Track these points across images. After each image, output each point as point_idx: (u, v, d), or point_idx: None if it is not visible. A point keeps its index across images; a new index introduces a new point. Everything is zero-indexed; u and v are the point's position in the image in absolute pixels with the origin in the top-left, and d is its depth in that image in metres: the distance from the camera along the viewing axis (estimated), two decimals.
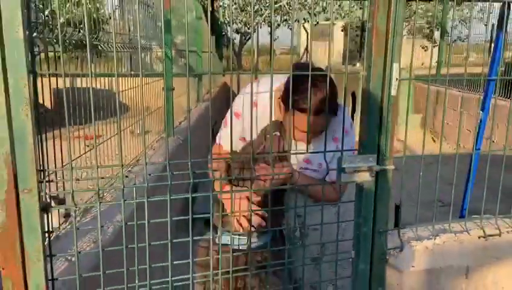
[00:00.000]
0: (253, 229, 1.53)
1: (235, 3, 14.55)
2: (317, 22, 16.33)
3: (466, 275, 1.46)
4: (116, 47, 1.07)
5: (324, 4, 15.43)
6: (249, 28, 15.14)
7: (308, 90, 1.46)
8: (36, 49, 1.57)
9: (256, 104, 1.63)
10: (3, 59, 0.89)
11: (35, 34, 1.67)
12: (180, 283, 1.18)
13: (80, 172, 1.76)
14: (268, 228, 1.48)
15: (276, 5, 15.03)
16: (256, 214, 1.49)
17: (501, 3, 2.49)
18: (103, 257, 1.08)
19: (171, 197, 1.10)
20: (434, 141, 7.53)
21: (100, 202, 1.06)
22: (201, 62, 6.11)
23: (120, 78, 2.77)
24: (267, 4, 15.07)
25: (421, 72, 9.01)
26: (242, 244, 1.56)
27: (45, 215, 1.02)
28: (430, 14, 16.47)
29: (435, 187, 1.45)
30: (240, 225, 1.48)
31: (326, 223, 1.32)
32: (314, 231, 1.65)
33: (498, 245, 1.50)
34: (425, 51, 15.54)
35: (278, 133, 1.57)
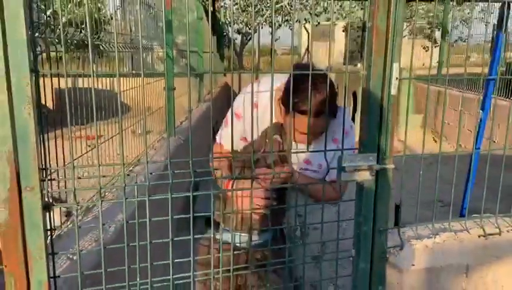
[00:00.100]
0: (254, 226, 1.54)
1: (236, 4, 14.57)
2: (319, 23, 16.33)
3: (466, 274, 1.47)
4: (117, 47, 1.07)
5: (325, 4, 15.43)
6: (250, 29, 15.16)
7: (307, 92, 1.47)
8: (38, 49, 1.58)
9: (257, 105, 1.64)
10: (6, 58, 0.90)
11: (37, 34, 1.68)
12: (181, 281, 1.18)
13: (81, 171, 1.77)
14: (269, 227, 1.48)
15: (277, 6, 15.04)
16: (258, 210, 1.49)
17: (501, 3, 2.50)
18: (105, 255, 1.09)
19: (172, 196, 1.11)
20: (435, 141, 7.53)
21: (102, 201, 1.07)
22: (203, 62, 6.12)
23: (121, 78, 2.78)
24: (268, 4, 15.08)
25: (422, 73, 9.02)
26: (243, 242, 1.57)
27: (47, 214, 1.03)
28: (431, 14, 16.47)
29: (436, 187, 1.45)
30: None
31: (327, 222, 1.33)
32: (314, 230, 1.66)
33: (498, 244, 1.50)
34: (426, 51, 15.53)
35: (279, 137, 1.58)
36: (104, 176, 1.08)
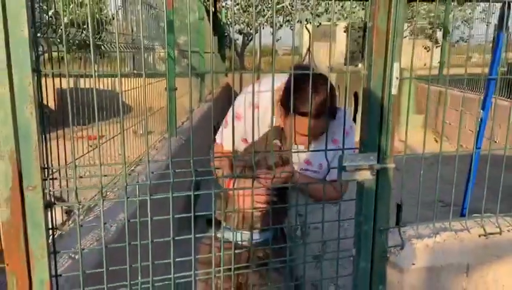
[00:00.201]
0: (255, 224, 1.55)
1: (238, 4, 14.58)
2: (320, 23, 16.34)
3: (466, 273, 1.47)
4: (119, 47, 1.08)
5: (326, 5, 15.43)
6: (251, 29, 15.17)
7: (306, 94, 1.48)
8: (40, 49, 1.59)
9: (257, 106, 1.64)
10: (9, 57, 0.91)
11: (39, 34, 1.69)
12: (182, 280, 1.19)
13: (83, 171, 1.77)
14: (270, 225, 1.49)
15: (278, 6, 15.05)
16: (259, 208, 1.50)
17: (501, 3, 2.50)
18: (106, 254, 1.10)
19: (174, 195, 1.11)
20: (436, 141, 7.52)
21: (103, 200, 1.08)
22: (204, 62, 6.13)
23: (123, 79, 2.79)
24: (270, 5, 15.09)
25: (424, 73, 9.01)
26: (244, 240, 1.57)
27: (49, 213, 1.03)
28: (432, 14, 16.46)
29: (436, 187, 1.46)
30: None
31: (327, 221, 1.33)
32: (315, 230, 1.66)
33: (498, 243, 1.50)
34: (427, 51, 15.52)
35: (278, 142, 1.58)
36: (105, 176, 1.09)
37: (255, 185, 1.28)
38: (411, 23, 14.70)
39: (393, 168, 1.28)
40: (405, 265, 1.41)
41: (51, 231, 1.06)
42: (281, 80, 1.64)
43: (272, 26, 15.02)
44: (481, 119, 2.80)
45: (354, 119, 8.02)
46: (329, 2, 13.97)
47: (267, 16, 15.30)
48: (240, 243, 1.58)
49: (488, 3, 1.84)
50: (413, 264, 1.42)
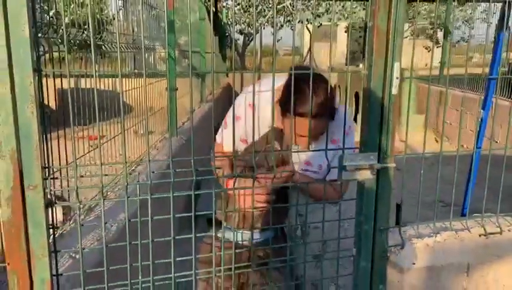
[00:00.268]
0: (256, 224, 1.55)
1: (238, 4, 14.58)
2: (321, 24, 16.34)
3: (467, 273, 1.47)
4: (119, 47, 1.08)
5: (327, 5, 15.43)
6: (252, 29, 15.17)
7: (304, 95, 1.48)
8: (41, 49, 1.59)
9: (257, 106, 1.64)
10: (10, 57, 0.91)
11: (40, 34, 1.69)
12: (183, 279, 1.19)
13: (83, 171, 1.78)
14: (270, 225, 1.49)
15: (279, 6, 15.05)
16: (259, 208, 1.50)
17: (502, 3, 2.50)
18: (107, 254, 1.10)
19: (174, 195, 1.11)
20: (437, 141, 7.52)
21: (104, 199, 1.08)
22: (205, 63, 6.13)
23: (124, 79, 2.79)
24: (270, 5, 15.09)
25: (425, 73, 9.00)
26: (245, 240, 1.58)
27: (50, 212, 1.03)
28: (433, 15, 16.46)
29: (437, 187, 1.46)
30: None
31: (328, 221, 1.33)
32: (315, 230, 1.66)
33: (499, 243, 1.50)
34: (428, 51, 15.52)
35: (277, 144, 1.58)
36: (106, 175, 1.09)
37: (255, 185, 1.29)
38: (412, 23, 14.70)
39: (393, 168, 1.28)
40: (405, 265, 1.41)
41: (51, 230, 1.06)
42: (281, 80, 1.64)
43: (272, 26, 15.03)
44: (481, 119, 2.80)
45: (355, 120, 8.02)
46: (330, 2, 13.99)
47: (268, 16, 15.30)
48: (240, 242, 1.58)
49: (488, 3, 1.83)
50: (414, 263, 1.42)
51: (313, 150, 1.64)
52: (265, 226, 1.59)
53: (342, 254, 1.36)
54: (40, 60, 1.05)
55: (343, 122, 1.47)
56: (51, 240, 1.05)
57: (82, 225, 1.08)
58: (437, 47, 10.95)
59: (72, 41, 2.14)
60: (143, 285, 1.14)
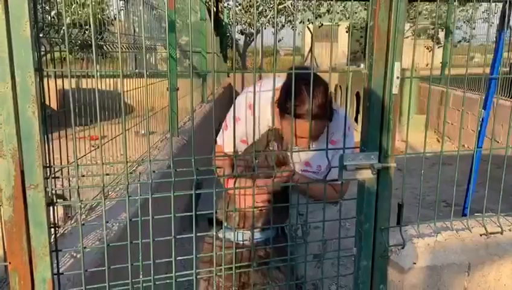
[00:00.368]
0: (256, 224, 1.55)
1: (239, 4, 14.59)
2: (322, 24, 16.34)
3: (468, 272, 1.47)
4: (121, 47, 1.08)
5: (328, 5, 15.44)
6: (253, 29, 15.17)
7: (301, 96, 1.48)
8: (42, 49, 1.59)
9: (256, 107, 1.64)
10: (11, 57, 0.91)
11: (41, 34, 1.69)
12: (184, 279, 1.19)
13: (85, 171, 1.78)
14: (271, 224, 1.49)
15: (280, 6, 15.05)
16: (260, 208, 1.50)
17: (502, 2, 2.50)
18: (108, 254, 1.10)
19: (175, 194, 1.12)
20: (439, 141, 7.51)
21: (105, 198, 1.08)
22: (206, 63, 6.13)
23: (125, 79, 2.79)
24: (271, 5, 15.10)
25: (426, 73, 8.97)
26: (245, 240, 1.58)
27: (51, 211, 1.04)
28: (435, 15, 16.45)
29: (437, 187, 1.46)
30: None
31: (328, 221, 1.34)
32: (315, 229, 1.66)
33: (500, 243, 1.50)
34: (429, 51, 15.51)
35: (275, 145, 1.58)
36: (107, 174, 1.09)
37: (255, 185, 1.29)
38: (413, 23, 14.69)
39: (394, 168, 1.28)
40: (406, 264, 1.41)
41: (53, 230, 1.06)
42: (282, 80, 1.65)
43: (273, 27, 15.02)
44: (482, 119, 2.79)
45: (356, 120, 8.01)
46: (331, 2, 13.99)
47: (269, 16, 15.31)
48: (241, 242, 1.58)
49: (489, 3, 1.83)
50: (415, 263, 1.42)
51: (312, 150, 1.64)
52: (266, 225, 1.59)
53: (342, 254, 1.36)
54: (41, 59, 1.05)
55: (342, 123, 1.47)
56: (52, 240, 1.05)
57: (83, 225, 1.09)
58: (438, 47, 10.95)
59: (73, 41, 2.15)
60: (144, 284, 1.15)
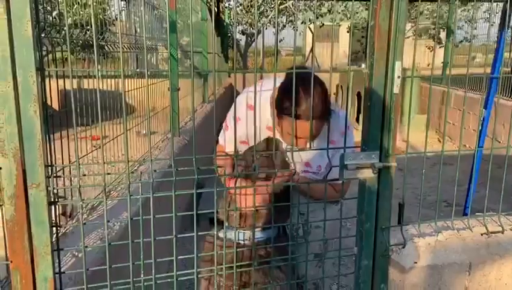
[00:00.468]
0: (257, 223, 1.55)
1: (241, 5, 14.60)
2: (323, 24, 16.34)
3: (469, 272, 1.47)
4: (122, 47, 1.08)
5: (329, 5, 15.44)
6: (254, 29, 15.18)
7: (298, 96, 1.48)
8: (44, 49, 1.60)
9: (255, 107, 1.64)
10: (13, 56, 0.92)
11: (43, 34, 1.70)
12: (185, 278, 1.20)
13: (86, 171, 1.79)
14: (272, 224, 1.49)
15: (281, 6, 15.05)
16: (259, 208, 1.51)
17: (503, 2, 2.50)
18: (110, 253, 1.11)
19: (176, 193, 1.12)
20: (440, 141, 7.50)
21: (107, 197, 1.08)
22: (207, 63, 6.14)
23: (126, 79, 2.80)
24: (272, 5, 15.10)
25: (428, 73, 8.96)
26: (246, 239, 1.58)
27: (53, 210, 1.04)
28: (436, 15, 16.44)
29: (438, 187, 1.46)
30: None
31: (329, 220, 1.34)
32: (316, 229, 1.66)
33: (501, 242, 1.50)
34: (431, 51, 15.50)
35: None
36: (109, 174, 1.10)
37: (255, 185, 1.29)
38: (414, 23, 14.69)
39: (395, 168, 1.29)
40: (407, 264, 1.41)
41: (54, 229, 1.07)
42: (282, 80, 1.65)
43: (274, 27, 15.03)
44: (483, 118, 2.79)
45: (357, 120, 8.01)
46: (332, 2, 14.00)
47: (270, 17, 15.31)
48: (242, 242, 1.58)
49: (490, 3, 1.83)
50: (415, 262, 1.42)
51: (312, 149, 1.64)
52: (267, 225, 1.59)
53: (343, 253, 1.36)
54: (43, 59, 1.06)
55: (339, 123, 1.47)
56: (53, 239, 1.05)
57: (84, 224, 1.09)
58: (440, 47, 10.94)
59: (74, 41, 2.15)
60: (145, 283, 1.15)
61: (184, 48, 4.76)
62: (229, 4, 13.75)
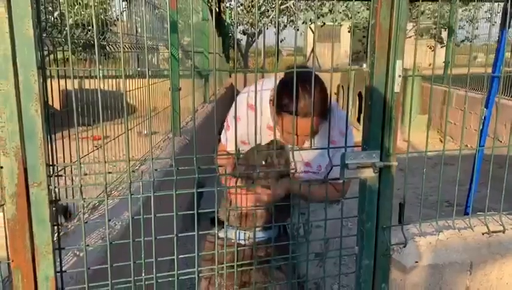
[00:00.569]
0: (258, 223, 1.55)
1: (242, 5, 14.59)
2: (324, 23, 16.33)
3: (470, 271, 1.47)
4: (123, 47, 1.09)
5: (330, 5, 15.43)
6: (255, 29, 15.18)
7: (297, 94, 1.48)
8: (45, 48, 1.60)
9: (255, 107, 1.65)
10: (14, 55, 0.92)
11: (44, 34, 1.70)
12: (186, 277, 1.20)
13: (87, 170, 1.79)
14: (273, 223, 1.50)
15: (282, 6, 15.06)
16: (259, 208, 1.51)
17: (504, 2, 2.50)
18: (111, 252, 1.11)
19: (177, 192, 1.12)
20: (441, 141, 7.49)
21: (108, 196, 1.09)
22: (208, 63, 6.15)
23: (127, 79, 2.80)
24: (273, 5, 15.10)
25: (429, 73, 8.96)
26: (247, 239, 1.58)
27: (54, 209, 1.04)
28: (437, 14, 16.43)
29: (439, 186, 1.46)
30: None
31: (330, 219, 1.34)
32: (317, 228, 1.67)
33: (502, 241, 1.50)
34: (432, 51, 15.49)
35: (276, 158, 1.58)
36: (110, 173, 1.10)
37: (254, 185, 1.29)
38: (416, 23, 14.67)
39: (396, 167, 1.28)
40: (408, 263, 1.41)
41: (56, 228, 1.07)
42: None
43: (275, 27, 15.03)
44: (484, 117, 2.79)
45: (359, 120, 8.00)
46: (333, 2, 13.99)
47: (271, 17, 15.32)
48: (242, 241, 1.58)
49: (491, 2, 1.83)
50: (416, 262, 1.42)
51: (313, 148, 1.64)
52: (267, 225, 1.59)
53: (344, 253, 1.36)
54: (44, 58, 1.06)
55: (341, 124, 1.46)
56: (55, 238, 1.05)
57: (86, 223, 1.09)
58: (441, 47, 10.93)
59: (76, 41, 2.16)
60: (146, 282, 1.15)
61: (185, 48, 4.77)
62: (230, 4, 13.75)
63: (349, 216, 1.36)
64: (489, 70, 2.86)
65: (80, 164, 1.07)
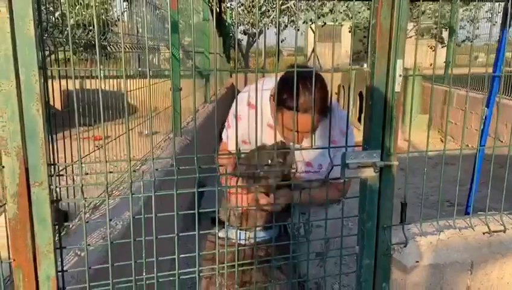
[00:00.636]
0: (258, 223, 1.55)
1: (242, 5, 14.60)
2: (325, 23, 16.32)
3: (470, 271, 1.47)
4: (124, 48, 1.09)
5: (331, 5, 15.43)
6: (256, 29, 15.18)
7: (296, 90, 1.48)
8: (46, 48, 1.60)
9: (254, 106, 1.65)
10: (15, 55, 0.92)
11: (45, 35, 1.71)
12: (186, 276, 1.20)
13: (88, 170, 1.79)
14: (273, 223, 1.50)
15: (283, 6, 15.06)
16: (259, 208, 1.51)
17: (505, 1, 2.50)
18: (112, 252, 1.11)
19: (178, 192, 1.12)
20: (442, 141, 7.49)
21: (109, 196, 1.09)
22: (209, 63, 6.15)
23: (128, 79, 2.80)
24: (274, 5, 15.10)
25: (430, 73, 8.95)
26: (247, 239, 1.58)
27: (55, 209, 1.04)
28: (438, 14, 16.43)
29: (439, 186, 1.46)
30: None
31: (330, 219, 1.34)
32: (318, 228, 1.67)
33: (503, 241, 1.50)
34: (432, 50, 15.47)
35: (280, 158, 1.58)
36: (111, 172, 1.10)
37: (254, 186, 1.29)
38: (416, 22, 14.67)
39: (397, 167, 1.28)
40: (409, 262, 1.41)
41: (57, 227, 1.07)
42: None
43: (276, 27, 15.03)
44: (485, 117, 2.79)
45: (359, 119, 8.00)
46: (334, 2, 13.99)
47: (271, 17, 15.32)
48: (243, 241, 1.59)
49: (492, 2, 1.83)
50: (417, 261, 1.42)
51: (314, 148, 1.65)
52: (268, 224, 1.59)
53: (345, 252, 1.36)
54: (45, 58, 1.06)
55: (341, 123, 1.46)
56: (56, 237, 1.06)
57: (87, 222, 1.09)
58: (442, 47, 10.93)
59: (77, 41, 2.16)
60: (147, 282, 1.15)
61: (186, 48, 4.77)
62: (230, 4, 13.76)
63: (350, 216, 1.36)
64: (490, 70, 2.86)
65: (81, 163, 1.08)
